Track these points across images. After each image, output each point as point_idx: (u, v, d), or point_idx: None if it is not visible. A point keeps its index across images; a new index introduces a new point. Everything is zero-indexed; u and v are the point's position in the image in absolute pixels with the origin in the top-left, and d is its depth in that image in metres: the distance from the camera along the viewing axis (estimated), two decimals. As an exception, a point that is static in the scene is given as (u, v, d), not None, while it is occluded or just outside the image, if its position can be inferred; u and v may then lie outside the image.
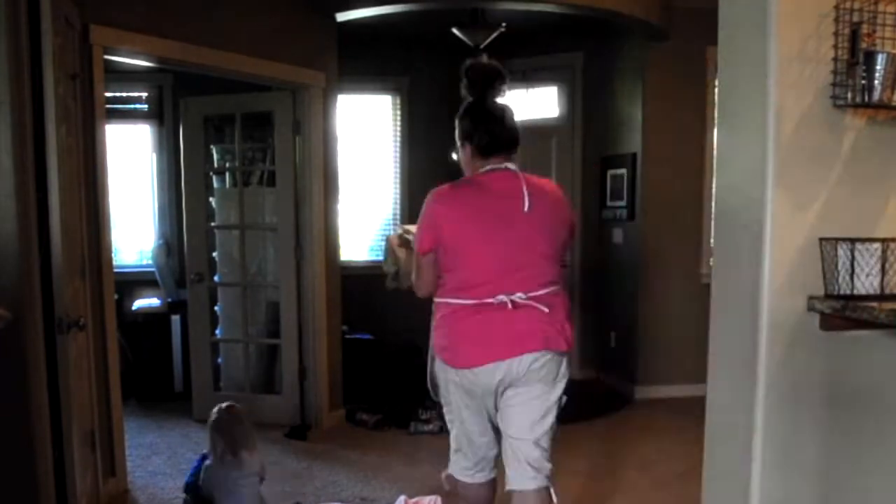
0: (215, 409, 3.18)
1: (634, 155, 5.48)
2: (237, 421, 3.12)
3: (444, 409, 2.66)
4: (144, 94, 6.05)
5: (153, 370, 5.43)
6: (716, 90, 2.71)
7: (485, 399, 2.49)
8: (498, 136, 2.51)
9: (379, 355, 5.75)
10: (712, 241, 2.64)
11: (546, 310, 2.39)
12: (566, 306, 2.50)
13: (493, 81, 2.53)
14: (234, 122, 4.79)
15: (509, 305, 2.36)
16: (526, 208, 2.40)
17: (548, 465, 2.54)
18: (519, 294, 2.37)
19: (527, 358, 2.37)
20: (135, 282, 5.83)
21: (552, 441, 2.58)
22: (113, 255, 3.78)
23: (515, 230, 2.41)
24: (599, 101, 5.94)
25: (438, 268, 2.51)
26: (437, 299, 2.57)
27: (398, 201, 6.56)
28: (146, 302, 5.69)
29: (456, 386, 2.50)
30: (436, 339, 2.59)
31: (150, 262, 5.91)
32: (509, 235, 2.40)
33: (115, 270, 3.76)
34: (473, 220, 2.44)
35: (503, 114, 2.55)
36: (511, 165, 2.52)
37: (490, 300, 2.38)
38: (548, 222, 2.48)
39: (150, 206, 6.07)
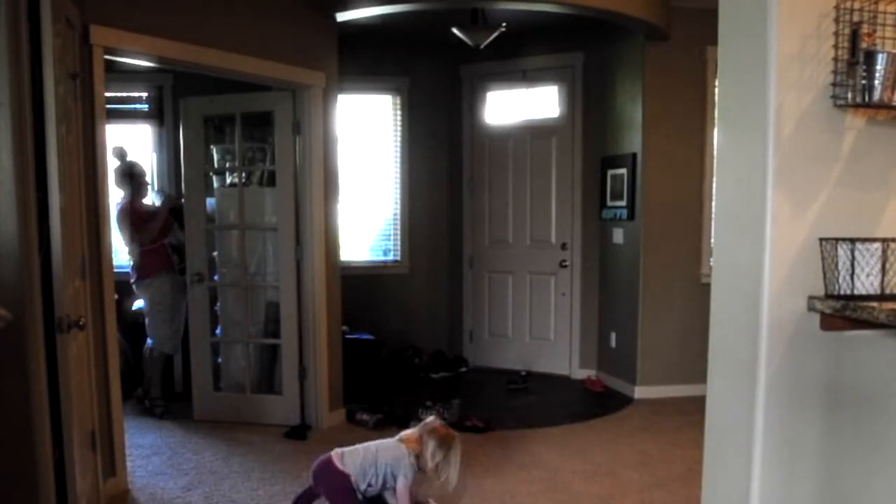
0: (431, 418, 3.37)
1: (634, 155, 5.48)
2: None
3: None
4: (144, 94, 6.05)
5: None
6: (716, 90, 2.72)
7: None
8: None
9: (379, 355, 5.75)
10: (712, 241, 2.64)
11: None
12: None
13: None
14: (234, 122, 4.79)
15: None
16: None
17: None
18: None
19: None
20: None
21: None
22: (113, 255, 3.78)
23: None
24: (599, 101, 5.94)
25: None
26: None
27: (399, 201, 6.56)
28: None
29: None
30: None
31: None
32: None
33: (115, 270, 3.76)
34: None
35: None
36: None
37: None
38: None
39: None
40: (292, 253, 4.76)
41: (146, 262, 5.01)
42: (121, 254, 5.51)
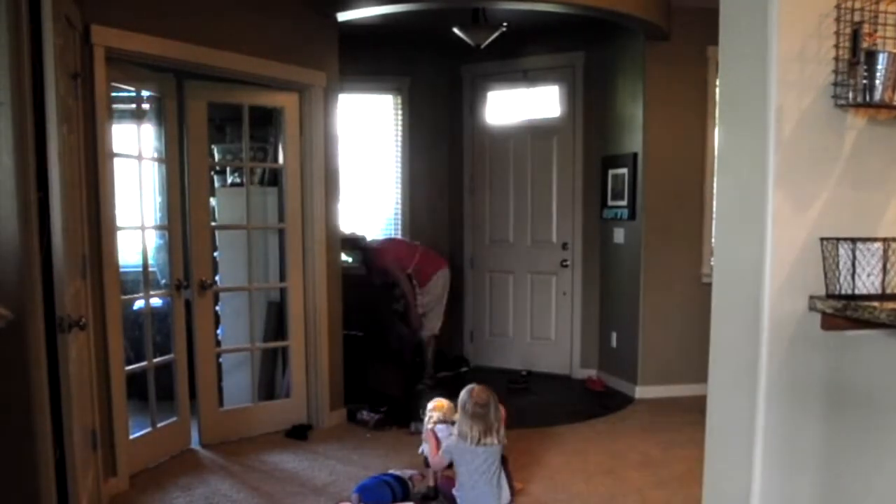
0: (464, 392, 3.38)
1: (635, 155, 5.48)
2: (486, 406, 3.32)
3: None
4: (145, 94, 6.03)
5: (155, 370, 5.42)
6: (716, 90, 2.72)
7: None
8: None
9: (378, 355, 5.75)
10: (713, 240, 2.64)
11: None
12: None
13: None
14: (235, 122, 4.78)
15: None
16: None
17: None
18: None
19: None
20: (137, 281, 5.81)
21: None
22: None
23: None
24: (600, 101, 5.94)
25: None
26: None
27: (399, 201, 6.56)
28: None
29: None
30: None
31: (152, 261, 5.90)
32: None
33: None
34: None
35: None
36: None
37: None
38: None
39: (150, 205, 6.06)
40: (301, 252, 4.76)
41: None
42: (122, 253, 5.51)
